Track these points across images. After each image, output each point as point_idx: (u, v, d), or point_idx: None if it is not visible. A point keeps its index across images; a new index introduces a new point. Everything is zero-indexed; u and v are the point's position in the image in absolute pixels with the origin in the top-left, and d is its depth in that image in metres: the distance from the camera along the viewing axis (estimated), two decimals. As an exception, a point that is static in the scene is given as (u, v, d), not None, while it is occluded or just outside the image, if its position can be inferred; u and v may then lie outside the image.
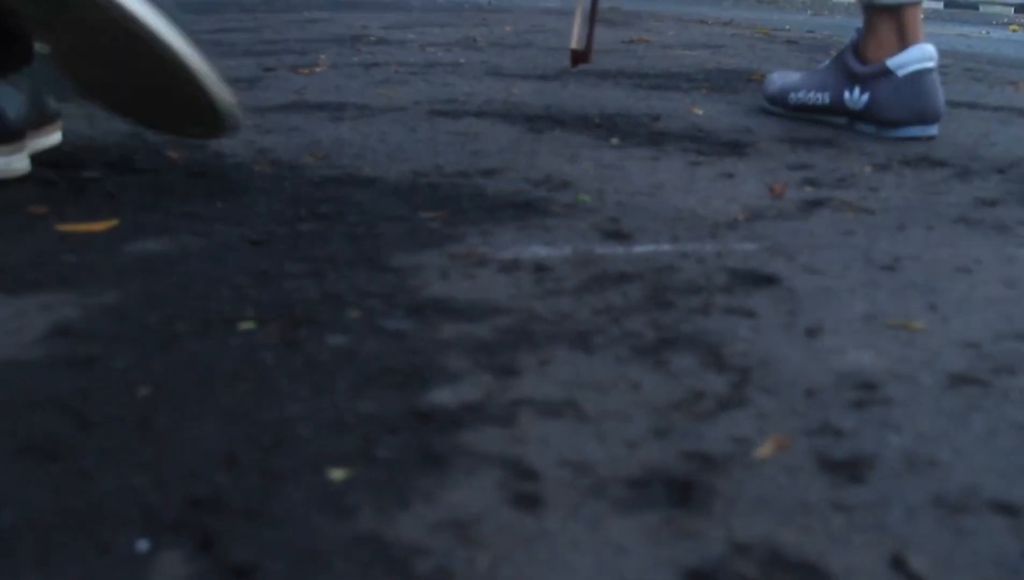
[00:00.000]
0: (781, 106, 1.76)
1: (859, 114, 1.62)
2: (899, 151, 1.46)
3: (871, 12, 1.60)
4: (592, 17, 2.02)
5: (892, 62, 1.57)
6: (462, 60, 2.39)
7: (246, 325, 0.73)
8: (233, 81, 2.00)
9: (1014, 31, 5.96)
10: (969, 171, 1.35)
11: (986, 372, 0.69)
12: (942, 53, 3.29)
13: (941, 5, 11.07)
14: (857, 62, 1.62)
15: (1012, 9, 11.23)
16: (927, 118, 1.57)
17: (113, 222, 0.99)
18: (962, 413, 0.63)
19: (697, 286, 0.84)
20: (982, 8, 11.09)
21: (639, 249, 0.93)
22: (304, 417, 0.59)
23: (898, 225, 1.06)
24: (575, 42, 2.04)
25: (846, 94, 1.63)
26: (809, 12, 6.53)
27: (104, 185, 1.16)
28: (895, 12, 1.57)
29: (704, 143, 1.45)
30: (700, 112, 1.71)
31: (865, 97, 1.61)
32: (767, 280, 0.86)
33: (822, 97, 1.68)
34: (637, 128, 1.54)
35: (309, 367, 0.66)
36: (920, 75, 1.55)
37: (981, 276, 0.90)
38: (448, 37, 2.99)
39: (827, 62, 1.70)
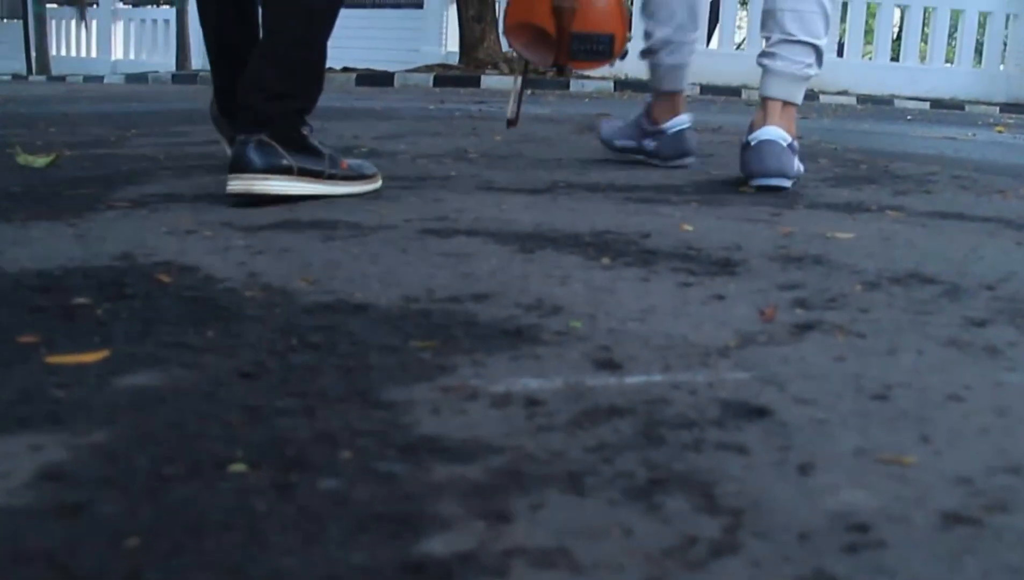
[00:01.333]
0: (610, 148, 2.83)
1: (651, 154, 2.72)
2: (888, 267, 1.48)
3: (657, 94, 2.65)
4: (521, 93, 2.89)
5: (666, 125, 2.68)
6: (453, 173, 2.42)
7: (237, 467, 0.73)
8: (223, 197, 2.01)
9: (1000, 132, 6.05)
10: (958, 289, 1.36)
11: (979, 510, 0.69)
12: (929, 159, 3.34)
13: (927, 105, 11.26)
14: (648, 122, 2.72)
15: (997, 108, 11.43)
16: (686, 156, 2.70)
17: (103, 353, 0.99)
18: (955, 556, 0.62)
19: (689, 420, 0.84)
20: (968, 108, 11.28)
21: (631, 380, 0.93)
22: (296, 570, 0.58)
23: (889, 349, 1.06)
24: (510, 113, 2.91)
25: (644, 142, 2.74)
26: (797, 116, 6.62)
27: (94, 311, 1.16)
28: (671, 95, 2.65)
29: (695, 262, 1.46)
30: (690, 228, 1.73)
31: (653, 144, 2.71)
32: (759, 412, 0.86)
33: (631, 143, 2.78)
34: (627, 246, 1.56)
35: (301, 515, 0.65)
36: (681, 132, 2.68)
37: (972, 404, 0.90)
38: (439, 148, 3.03)
39: (633, 119, 2.76)
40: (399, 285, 1.28)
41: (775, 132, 2.29)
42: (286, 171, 1.90)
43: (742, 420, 0.84)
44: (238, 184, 1.89)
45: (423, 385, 0.91)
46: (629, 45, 2.63)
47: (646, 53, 2.63)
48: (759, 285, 1.33)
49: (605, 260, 1.45)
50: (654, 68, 2.63)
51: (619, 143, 2.80)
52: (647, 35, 2.64)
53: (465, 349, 1.02)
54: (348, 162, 2.06)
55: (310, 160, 1.94)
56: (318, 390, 0.89)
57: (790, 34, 2.32)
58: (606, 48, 2.61)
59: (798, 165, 2.38)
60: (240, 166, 1.88)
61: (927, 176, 2.74)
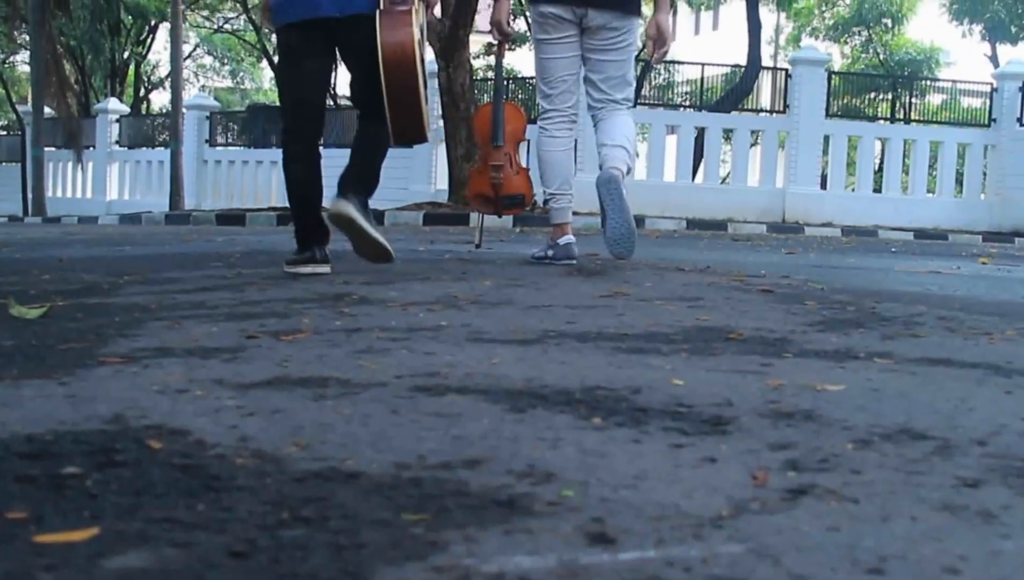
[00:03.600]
0: (532, 259, 4.24)
1: (551, 258, 4.10)
2: (879, 422, 1.48)
3: (553, 224, 4.15)
4: (481, 229, 5.31)
5: (560, 240, 4.10)
6: (443, 322, 2.44)
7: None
8: (214, 351, 2.03)
9: (984, 263, 6.12)
10: (949, 445, 1.36)
11: None
12: (916, 298, 3.37)
13: (911, 236, 11.41)
14: (550, 240, 4.18)
15: (980, 237, 11.58)
16: (570, 259, 4.05)
17: (93, 531, 0.98)
18: None
19: (684, 601, 0.83)
20: (951, 237, 11.43)
21: (624, 556, 0.92)
22: None
23: (882, 516, 1.05)
24: (477, 241, 5.25)
25: (548, 252, 4.15)
26: (782, 251, 6.71)
27: (84, 482, 1.16)
28: (561, 224, 4.09)
29: (686, 420, 1.46)
30: (680, 382, 1.73)
31: (552, 252, 4.12)
32: (754, 591, 0.85)
33: (541, 254, 4.19)
34: (618, 403, 1.56)
35: None
36: (568, 244, 4.07)
37: (968, 576, 0.90)
38: (429, 294, 3.06)
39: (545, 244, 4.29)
40: (390, 450, 1.28)
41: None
42: (364, 214, 3.56)
43: (737, 600, 0.83)
44: (340, 207, 3.51)
45: (415, 564, 0.90)
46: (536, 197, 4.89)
47: (545, 202, 4.32)
48: (751, 445, 1.33)
49: (596, 419, 1.45)
50: (551, 210, 4.20)
51: (534, 256, 4.30)
52: (544, 191, 4.26)
53: (457, 523, 1.01)
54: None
55: (370, 216, 3.63)
56: (309, 571, 0.88)
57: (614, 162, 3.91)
58: (522, 201, 4.66)
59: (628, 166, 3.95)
60: (342, 205, 3.51)
61: (914, 318, 2.76)
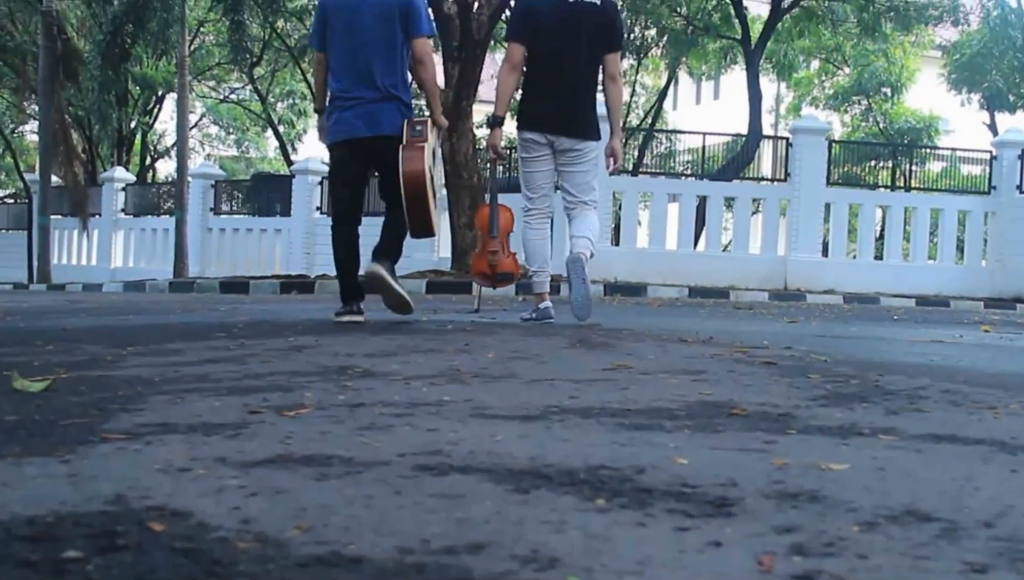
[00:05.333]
0: (522, 319, 5.18)
1: (534, 319, 5.06)
2: (884, 503, 1.47)
3: (535, 293, 5.25)
4: (480, 296, 6.85)
5: (540, 306, 5.12)
6: (446, 397, 2.43)
7: None
8: (217, 427, 2.03)
9: (986, 331, 6.11)
10: (956, 527, 1.35)
11: None
12: (919, 370, 3.36)
13: (913, 302, 11.42)
14: (533, 305, 5.23)
15: (982, 304, 11.58)
16: (548, 319, 5.04)
17: (93, 623, 0.98)
18: None
19: None
20: (952, 304, 11.43)
21: (629, 648, 0.91)
22: None
23: (889, 604, 1.04)
24: (476, 306, 6.45)
25: (532, 314, 5.11)
26: (784, 319, 6.71)
27: (85, 567, 1.15)
28: (540, 294, 5.17)
29: (690, 501, 1.45)
30: (684, 461, 1.73)
31: (535, 314, 5.09)
32: None
33: (526, 315, 5.17)
34: (622, 484, 1.55)
35: None
36: (546, 308, 5.08)
37: (979, 669, 0.89)
38: (432, 367, 3.05)
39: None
40: (393, 533, 1.27)
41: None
42: (391, 274, 4.84)
43: None
44: (373, 269, 4.82)
45: (418, 657, 0.89)
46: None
47: (529, 277, 5.52)
48: (756, 527, 1.32)
49: (600, 501, 1.45)
50: (533, 283, 5.35)
51: (523, 318, 5.23)
52: (528, 268, 5.54)
53: (461, 612, 1.00)
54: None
55: (395, 275, 4.86)
56: (311, 665, 0.87)
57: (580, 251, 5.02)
58: (511, 277, 5.84)
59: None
60: (375, 267, 4.83)
61: (918, 391, 2.75)
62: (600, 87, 5.30)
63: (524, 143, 5.15)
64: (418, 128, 4.86)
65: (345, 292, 5.03)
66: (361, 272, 5.01)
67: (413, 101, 5.14)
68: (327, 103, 5.12)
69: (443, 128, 5.27)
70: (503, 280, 5.84)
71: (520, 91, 5.41)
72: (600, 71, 5.22)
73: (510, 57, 5.13)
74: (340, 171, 5.12)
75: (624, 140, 13.82)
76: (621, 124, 5.83)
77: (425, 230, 5.01)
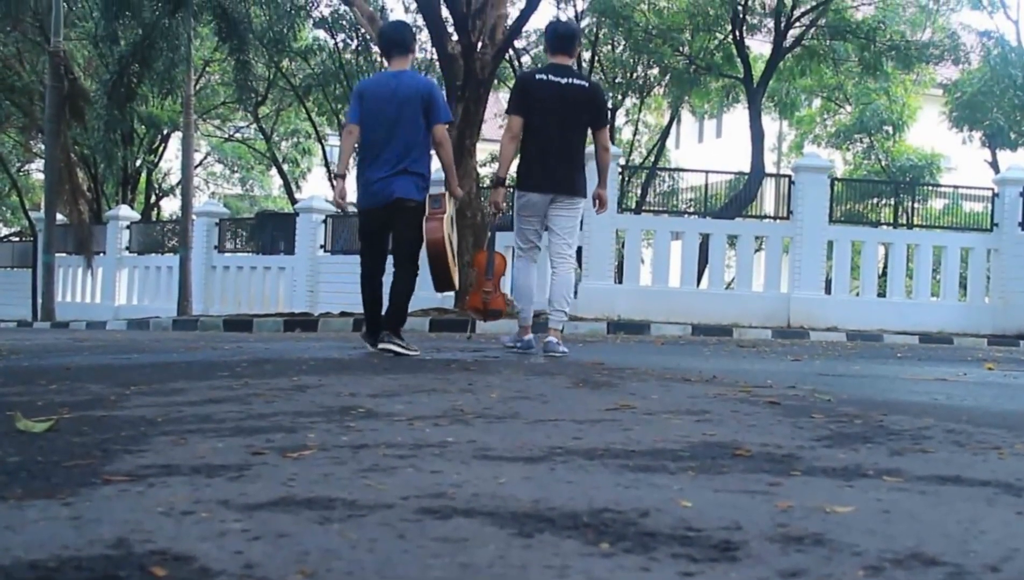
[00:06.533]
0: (504, 347, 6.34)
1: (518, 349, 6.07)
2: (889, 547, 1.46)
3: (520, 326, 6.18)
4: (473, 325, 8.11)
5: (524, 338, 6.10)
6: (450, 438, 2.43)
7: None
8: (220, 469, 2.02)
9: (990, 369, 6.09)
10: (962, 572, 1.34)
11: None
12: (923, 409, 3.35)
13: (916, 339, 11.39)
14: (519, 334, 6.17)
15: (985, 341, 11.56)
16: (530, 349, 6.04)
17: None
18: None
19: None
20: (956, 341, 11.41)
21: None
22: None
23: (895, 651, 1.04)
24: (468, 334, 8.12)
25: (517, 344, 6.11)
26: (788, 357, 6.70)
27: (88, 614, 1.14)
28: (525, 326, 6.10)
29: (694, 546, 1.45)
30: (689, 504, 1.72)
31: (519, 345, 6.08)
32: None
33: (511, 344, 6.23)
34: (626, 528, 1.55)
35: None
36: (528, 339, 6.07)
37: None
38: (435, 407, 3.05)
39: (515, 334, 6.32)
40: (397, 579, 1.27)
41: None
42: (397, 342, 5.58)
43: None
44: (383, 346, 5.60)
45: None
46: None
47: (517, 313, 6.22)
48: (761, 572, 1.32)
49: (604, 545, 1.44)
50: (519, 317, 6.17)
51: (507, 344, 6.25)
52: (516, 305, 6.35)
53: (464, 659, 1.00)
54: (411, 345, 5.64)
55: (404, 343, 5.59)
56: None
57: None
58: (499, 314, 6.75)
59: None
60: (384, 344, 5.58)
61: (922, 431, 2.74)
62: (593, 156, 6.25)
63: (522, 204, 6.09)
64: (436, 201, 5.70)
65: (371, 328, 5.95)
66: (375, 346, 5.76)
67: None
68: (348, 170, 6.08)
69: (459, 198, 6.20)
70: (492, 316, 6.82)
71: (519, 156, 6.26)
72: (587, 139, 6.16)
73: (510, 127, 5.97)
74: (369, 233, 5.92)
75: (627, 178, 13.94)
76: (609, 177, 6.84)
77: (447, 286, 6.05)
